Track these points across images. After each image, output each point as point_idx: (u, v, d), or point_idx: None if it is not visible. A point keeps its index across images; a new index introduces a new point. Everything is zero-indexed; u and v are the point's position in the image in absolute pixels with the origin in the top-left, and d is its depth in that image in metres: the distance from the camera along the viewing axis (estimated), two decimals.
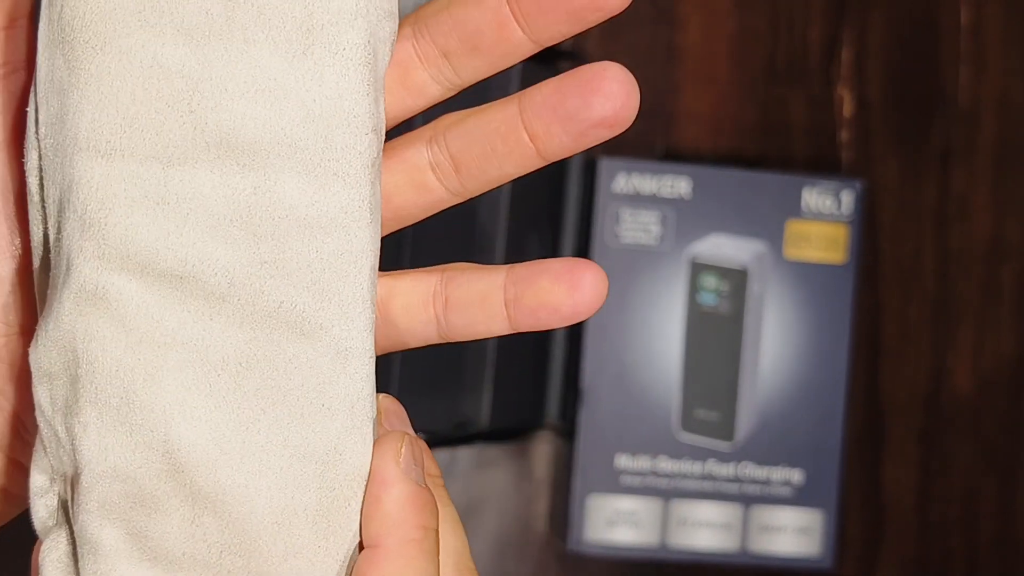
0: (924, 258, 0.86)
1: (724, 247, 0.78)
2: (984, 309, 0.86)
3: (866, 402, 0.85)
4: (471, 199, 0.59)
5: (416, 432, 0.44)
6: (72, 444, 0.39)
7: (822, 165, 0.85)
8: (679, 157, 0.83)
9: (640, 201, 0.78)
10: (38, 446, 0.40)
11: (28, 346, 0.40)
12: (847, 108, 0.85)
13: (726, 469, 0.78)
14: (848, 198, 0.78)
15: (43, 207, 0.39)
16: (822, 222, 0.78)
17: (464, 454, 0.83)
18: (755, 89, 0.85)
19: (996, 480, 0.86)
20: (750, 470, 0.78)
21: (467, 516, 0.83)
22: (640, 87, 0.45)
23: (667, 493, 0.78)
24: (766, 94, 0.85)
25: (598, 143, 0.44)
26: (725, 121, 0.85)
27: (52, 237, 0.39)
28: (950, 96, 0.86)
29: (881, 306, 0.85)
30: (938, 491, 0.86)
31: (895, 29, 0.86)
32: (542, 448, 0.83)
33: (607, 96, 0.43)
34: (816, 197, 0.78)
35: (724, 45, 0.85)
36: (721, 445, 0.78)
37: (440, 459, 0.83)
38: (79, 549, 0.39)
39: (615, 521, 0.77)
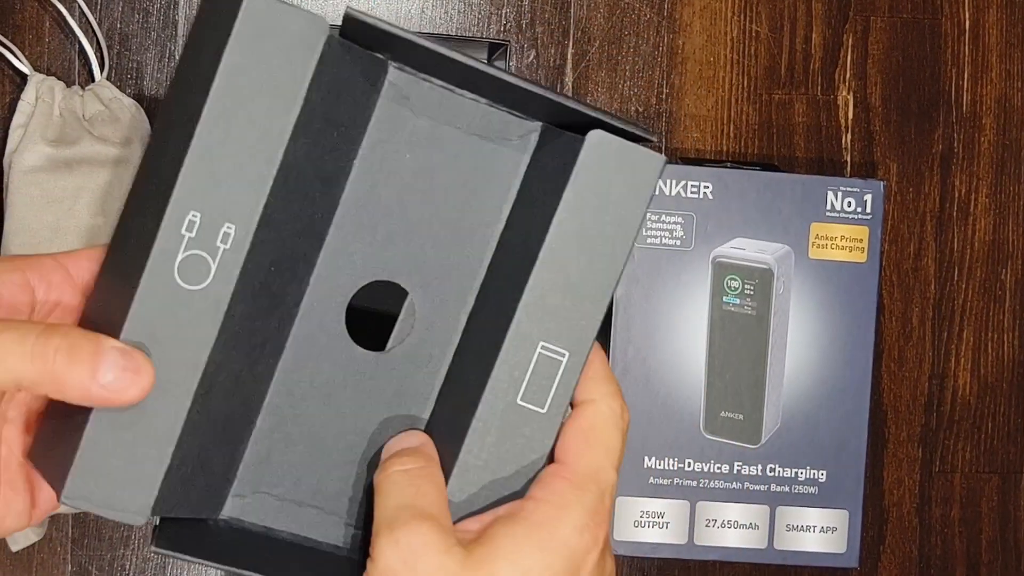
0: (925, 260, 0.86)
1: (748, 248, 0.78)
2: (985, 311, 0.87)
3: (868, 404, 0.86)
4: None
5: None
6: None
7: (824, 168, 0.85)
8: (679, 160, 0.83)
9: (664, 203, 0.77)
10: None
11: None
12: (849, 111, 0.86)
13: (752, 470, 0.78)
14: (870, 199, 0.78)
15: None
16: (846, 223, 0.78)
17: None
18: (757, 93, 0.85)
19: (997, 481, 0.87)
20: (776, 471, 0.78)
21: None
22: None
23: (694, 494, 0.78)
24: (768, 98, 0.85)
25: None
26: (727, 124, 0.85)
27: None
28: (951, 100, 0.87)
29: (882, 308, 0.86)
30: (939, 492, 0.86)
31: (896, 33, 0.86)
32: None
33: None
34: (840, 198, 0.78)
35: (726, 49, 0.85)
36: (746, 447, 0.78)
37: None
38: None
39: (643, 522, 0.77)
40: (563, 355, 0.53)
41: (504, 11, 0.83)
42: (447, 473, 0.52)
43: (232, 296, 0.50)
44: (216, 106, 0.48)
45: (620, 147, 0.51)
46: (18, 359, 0.46)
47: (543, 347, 0.53)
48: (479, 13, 0.82)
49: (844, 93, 0.86)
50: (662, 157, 0.52)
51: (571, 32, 0.83)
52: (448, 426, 0.54)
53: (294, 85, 0.50)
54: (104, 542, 0.80)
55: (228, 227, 0.50)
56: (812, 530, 0.78)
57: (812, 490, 0.78)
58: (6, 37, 0.78)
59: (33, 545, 0.78)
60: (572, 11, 0.83)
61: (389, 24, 0.50)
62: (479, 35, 0.82)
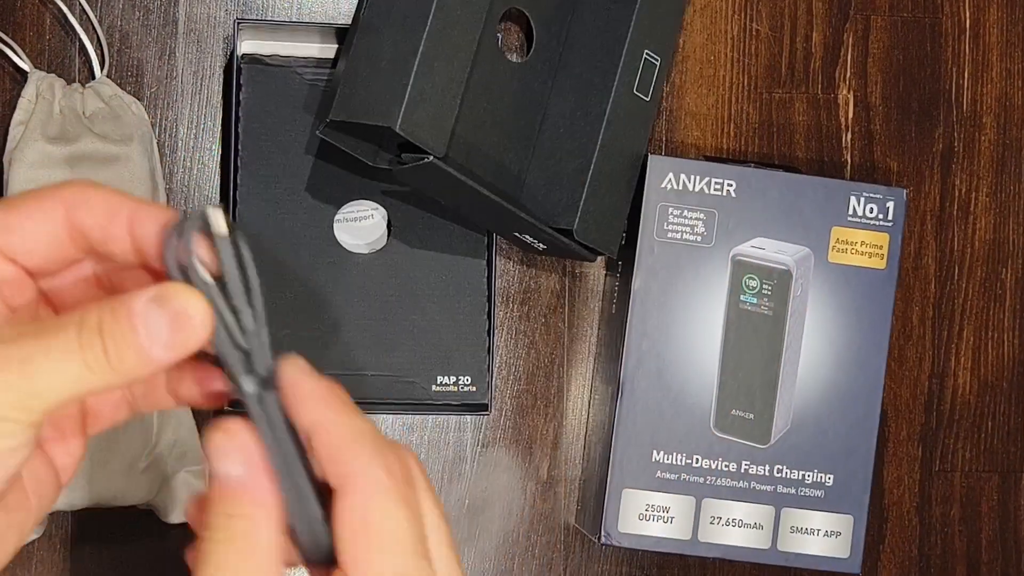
0: (925, 260, 0.86)
1: (768, 248, 0.77)
2: (985, 311, 0.87)
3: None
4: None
5: None
6: None
7: (824, 167, 0.85)
8: (703, 157, 0.83)
9: (687, 199, 0.77)
10: None
11: None
12: (849, 110, 0.86)
13: (760, 470, 0.78)
14: (892, 206, 0.78)
15: None
16: (867, 229, 0.78)
17: (470, 455, 0.82)
18: (757, 91, 0.85)
19: (997, 481, 0.87)
20: (783, 472, 0.78)
21: (474, 515, 0.83)
22: None
23: (701, 491, 0.77)
24: (768, 96, 0.85)
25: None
26: (727, 123, 0.85)
27: None
28: (951, 99, 0.87)
29: None
30: (939, 492, 0.87)
31: (897, 32, 0.86)
32: (545, 449, 0.83)
33: None
34: (863, 204, 0.78)
35: (727, 47, 0.85)
36: (755, 446, 0.77)
37: (451, 457, 0.82)
38: None
39: (648, 515, 0.77)
40: (656, 59, 0.79)
41: None
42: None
43: None
44: None
45: None
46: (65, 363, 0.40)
47: (647, 54, 0.78)
48: None
49: (844, 92, 0.86)
50: None
51: None
52: (570, 116, 0.77)
53: None
54: (104, 540, 0.79)
55: None
56: (816, 533, 0.78)
57: (818, 493, 0.78)
58: (6, 34, 0.77)
59: (33, 543, 0.77)
60: None
61: None
62: None
